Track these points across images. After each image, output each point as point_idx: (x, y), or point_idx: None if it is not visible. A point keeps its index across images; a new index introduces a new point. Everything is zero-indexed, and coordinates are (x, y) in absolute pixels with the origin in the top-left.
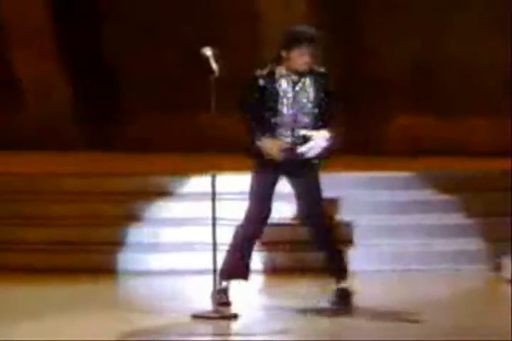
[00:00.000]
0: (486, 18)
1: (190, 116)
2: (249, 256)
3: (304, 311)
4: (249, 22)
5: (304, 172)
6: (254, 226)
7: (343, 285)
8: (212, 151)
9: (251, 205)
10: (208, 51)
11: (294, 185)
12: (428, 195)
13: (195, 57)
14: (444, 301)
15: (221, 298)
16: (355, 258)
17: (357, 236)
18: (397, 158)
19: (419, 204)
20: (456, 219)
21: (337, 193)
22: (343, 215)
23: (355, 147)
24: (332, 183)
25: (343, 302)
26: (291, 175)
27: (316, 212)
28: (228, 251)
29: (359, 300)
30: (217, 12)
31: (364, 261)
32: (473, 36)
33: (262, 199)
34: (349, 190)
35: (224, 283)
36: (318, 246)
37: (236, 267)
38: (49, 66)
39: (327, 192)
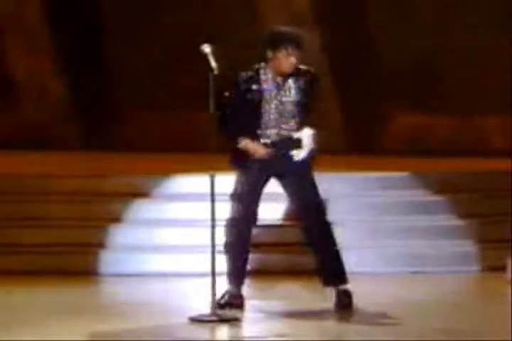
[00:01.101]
0: (492, 15)
1: (189, 115)
2: (245, 263)
3: (303, 313)
4: (250, 20)
5: (295, 170)
6: (244, 227)
7: (344, 286)
8: (211, 151)
9: (238, 207)
10: (206, 48)
11: (286, 186)
12: (425, 195)
13: (193, 55)
14: (440, 302)
15: (231, 300)
16: (349, 260)
17: (353, 237)
18: (397, 158)
19: (417, 205)
20: (450, 220)
21: (335, 193)
22: (339, 215)
23: (355, 146)
24: (331, 183)
25: (345, 304)
26: (282, 176)
27: (315, 212)
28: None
29: (357, 302)
30: (217, 10)
31: (358, 263)
32: (477, 33)
33: (250, 200)
34: (349, 189)
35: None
36: (316, 249)
37: (230, 275)
38: (45, 65)
39: (325, 192)
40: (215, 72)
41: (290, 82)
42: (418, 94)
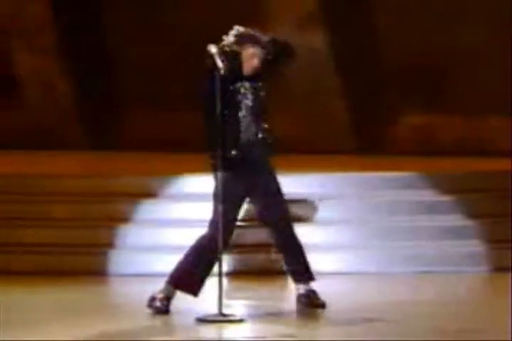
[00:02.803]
0: (499, 13)
1: (194, 115)
2: (209, 269)
3: (309, 314)
4: (258, 20)
5: (259, 171)
6: (223, 233)
7: (310, 286)
8: None
9: (221, 209)
10: (213, 49)
11: (252, 188)
12: (434, 195)
13: (200, 55)
14: (448, 302)
15: (162, 305)
16: (357, 260)
17: (360, 237)
18: (405, 158)
19: (426, 205)
20: (458, 220)
21: (343, 193)
22: (347, 215)
23: (362, 146)
24: (339, 183)
25: (318, 304)
26: (249, 176)
27: (280, 212)
28: (186, 259)
29: (363, 301)
30: (224, 9)
31: (365, 263)
32: (484, 33)
33: (234, 202)
34: (356, 189)
35: (169, 291)
36: (281, 249)
37: (190, 279)
38: (50, 65)
39: (333, 191)
40: (222, 72)
41: (252, 84)
42: (425, 95)
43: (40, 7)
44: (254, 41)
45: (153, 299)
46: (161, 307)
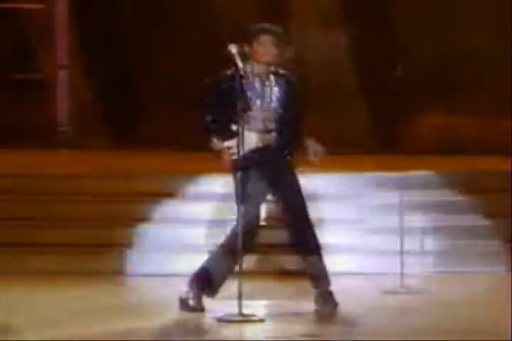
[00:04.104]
0: None
1: None
2: (229, 270)
3: (328, 313)
4: (278, 20)
5: (280, 172)
6: (245, 235)
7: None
8: None
9: (243, 209)
10: (233, 48)
11: (274, 187)
12: (452, 195)
13: (220, 54)
14: (466, 303)
15: (197, 304)
16: (374, 260)
17: (377, 237)
18: (423, 158)
19: (444, 204)
20: (477, 220)
21: (362, 192)
22: (365, 215)
23: (381, 146)
24: (357, 182)
25: (333, 305)
26: (270, 176)
27: (301, 215)
28: (212, 262)
29: (381, 301)
30: (243, 9)
31: (383, 264)
32: (502, 35)
33: (255, 201)
34: (374, 189)
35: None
36: (301, 252)
37: (211, 281)
38: (73, 65)
39: (350, 191)
40: (242, 72)
41: (273, 79)
42: (445, 95)
43: (65, 6)
44: (263, 31)
45: (183, 299)
46: (198, 306)
